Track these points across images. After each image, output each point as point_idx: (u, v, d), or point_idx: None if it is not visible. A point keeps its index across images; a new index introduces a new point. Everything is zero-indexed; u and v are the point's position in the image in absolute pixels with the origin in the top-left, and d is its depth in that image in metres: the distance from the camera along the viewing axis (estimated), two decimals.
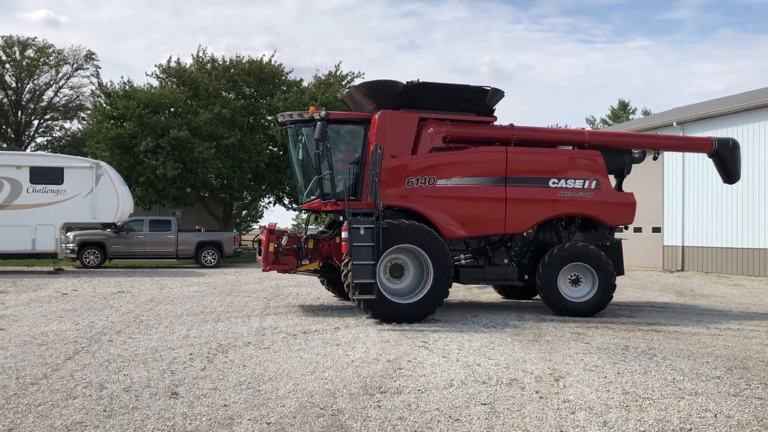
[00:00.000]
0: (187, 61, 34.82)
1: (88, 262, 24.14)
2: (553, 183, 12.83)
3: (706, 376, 7.48)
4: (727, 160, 14.66)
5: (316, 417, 5.88)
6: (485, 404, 6.31)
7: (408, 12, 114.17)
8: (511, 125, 13.04)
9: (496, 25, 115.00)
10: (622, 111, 65.00)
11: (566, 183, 12.88)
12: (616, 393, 6.74)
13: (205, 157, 29.93)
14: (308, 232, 14.34)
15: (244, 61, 34.42)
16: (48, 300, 14.05)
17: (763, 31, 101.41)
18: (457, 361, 8.19)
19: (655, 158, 14.82)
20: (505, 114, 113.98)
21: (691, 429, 5.66)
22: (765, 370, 7.82)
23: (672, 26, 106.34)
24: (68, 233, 23.91)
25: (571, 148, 13.60)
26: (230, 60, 34.55)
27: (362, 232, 11.13)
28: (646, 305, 14.44)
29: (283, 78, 35.16)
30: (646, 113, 61.57)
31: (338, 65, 38.04)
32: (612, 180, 13.67)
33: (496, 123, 13.08)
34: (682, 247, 25.36)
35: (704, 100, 32.16)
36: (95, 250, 24.33)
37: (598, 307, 12.53)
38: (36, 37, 48.57)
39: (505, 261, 13.03)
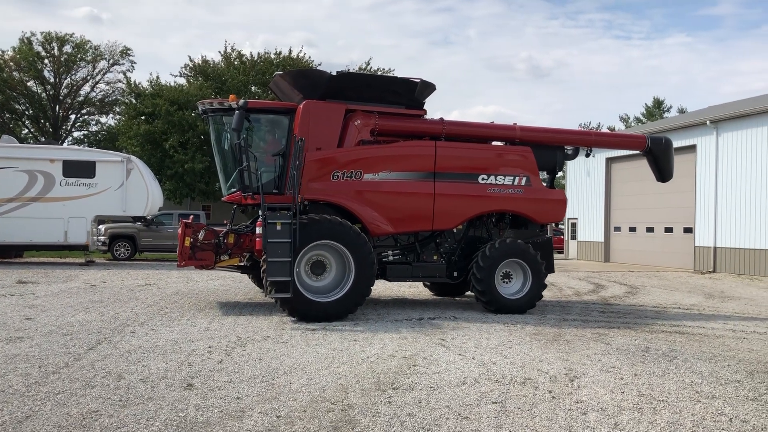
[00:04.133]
0: (216, 58, 35.33)
1: (119, 255, 24.60)
2: (483, 179, 12.65)
3: (725, 380, 7.35)
4: (660, 159, 14.54)
5: (326, 411, 5.92)
6: (496, 403, 6.29)
7: (442, 8, 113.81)
8: (441, 119, 12.87)
9: (532, 21, 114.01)
10: (656, 109, 64.01)
11: (496, 179, 12.71)
12: (630, 395, 6.67)
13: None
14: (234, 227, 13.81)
15: (272, 55, 34.72)
16: (77, 291, 14.36)
17: None
18: (473, 359, 8.17)
19: (587, 155, 14.54)
20: (541, 112, 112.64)
21: None
22: None
23: (712, 22, 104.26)
24: (100, 226, 24.39)
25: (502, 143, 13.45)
26: (258, 55, 34.88)
27: (278, 227, 10.69)
28: (672, 307, 14.22)
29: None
30: (681, 111, 60.54)
31: (368, 61, 37.99)
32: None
33: (426, 117, 12.84)
34: (714, 248, 24.89)
35: (741, 99, 31.56)
36: (126, 243, 24.80)
37: (530, 304, 12.48)
38: (74, 33, 49.62)
39: (434, 258, 12.80)
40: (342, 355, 8.21)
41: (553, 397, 6.52)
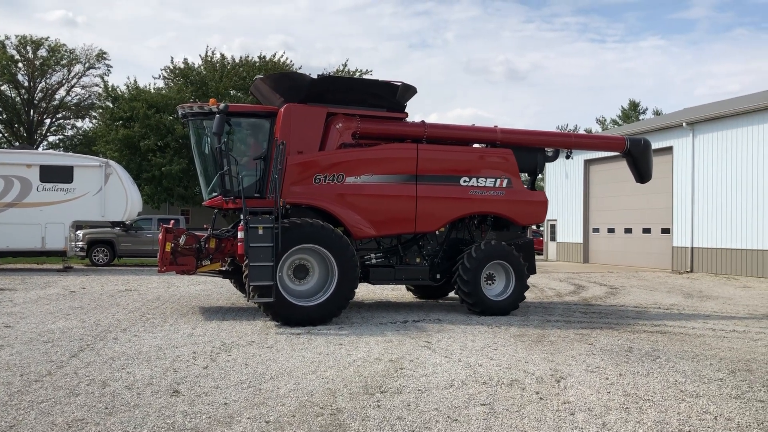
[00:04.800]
0: (196, 61, 35.12)
1: (97, 260, 24.32)
2: (465, 181, 12.74)
3: (708, 379, 7.45)
4: (639, 160, 14.75)
5: (315, 416, 5.90)
6: (484, 405, 6.31)
7: (420, 11, 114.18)
8: (423, 122, 12.94)
9: (508, 25, 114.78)
10: (632, 111, 64.72)
11: (477, 181, 12.81)
12: (616, 394, 6.73)
13: None
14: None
15: (253, 59, 34.61)
16: (56, 298, 14.16)
17: None
18: (459, 361, 8.19)
19: (567, 157, 14.65)
20: (519, 114, 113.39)
21: (689, 431, 5.64)
22: None
23: (685, 25, 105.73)
24: (78, 231, 24.09)
25: (483, 146, 13.56)
26: (240, 58, 34.76)
27: (260, 231, 10.60)
28: (652, 306, 14.38)
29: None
30: (657, 113, 61.29)
31: (345, 63, 37.94)
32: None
33: (408, 120, 12.91)
34: (692, 248, 25.23)
35: (716, 101, 32.02)
36: (104, 249, 24.51)
37: (514, 305, 12.58)
38: (48, 37, 48.99)
39: (417, 260, 12.85)
40: (328, 359, 8.19)
41: (541, 398, 6.56)
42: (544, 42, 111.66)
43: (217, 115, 11.10)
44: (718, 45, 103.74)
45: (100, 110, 41.01)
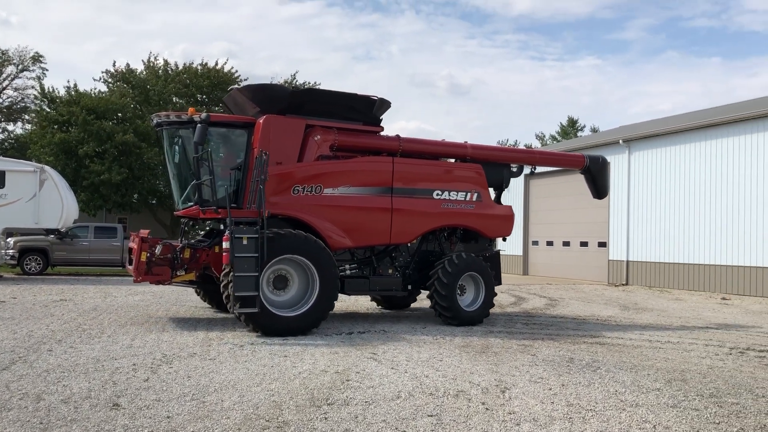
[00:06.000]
0: (138, 66, 34.35)
1: (30, 269, 23.38)
2: (437, 194, 13.10)
3: (646, 388, 7.66)
4: (597, 177, 15.51)
5: (261, 429, 5.80)
6: (432, 416, 6.33)
7: (365, 23, 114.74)
8: (398, 136, 13.17)
9: (451, 40, 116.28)
10: (570, 128, 66.42)
11: (449, 195, 13.19)
12: (560, 405, 6.85)
13: (154, 163, 29.46)
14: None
15: (197, 66, 34.10)
16: None
17: (706, 54, 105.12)
18: (406, 372, 8.21)
19: (531, 173, 15.49)
20: (461, 128, 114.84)
21: None
22: (702, 382, 8.06)
23: (620, 46, 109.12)
24: (8, 239, 23.17)
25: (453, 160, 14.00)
26: (183, 65, 34.20)
27: (245, 242, 10.60)
28: (590, 318, 14.73)
29: (238, 85, 34.93)
30: (594, 131, 63.08)
31: (294, 75, 37.80)
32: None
33: (382, 133, 13.11)
34: (627, 261, 25.98)
35: (651, 119, 33.15)
36: (37, 257, 23.59)
37: (485, 314, 13.01)
38: None
39: (390, 271, 13.08)
40: (273, 372, 8.08)
41: (487, 409, 6.62)
42: (486, 58, 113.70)
43: (199, 125, 11.05)
44: (651, 66, 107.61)
45: (33, 114, 39.71)
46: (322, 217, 11.92)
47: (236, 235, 10.58)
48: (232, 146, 12.04)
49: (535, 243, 31.83)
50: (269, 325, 10.77)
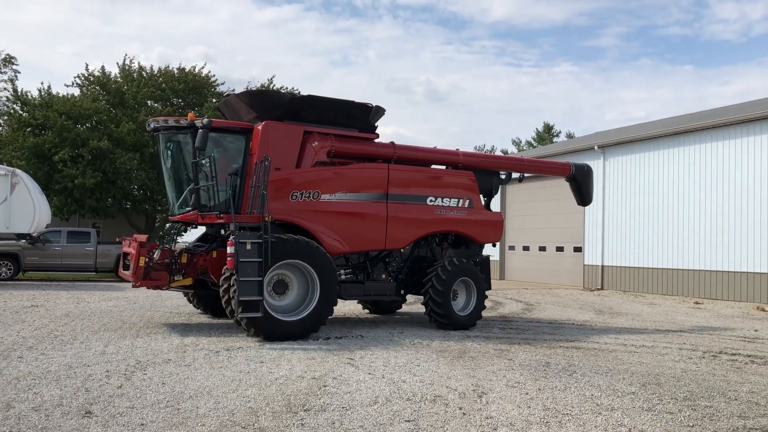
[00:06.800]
0: (113, 70, 33.92)
1: (0, 275, 22.98)
2: (431, 201, 13.31)
3: (622, 392, 7.72)
4: (582, 185, 15.98)
5: None
6: (409, 421, 6.32)
7: (342, 29, 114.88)
8: (392, 143, 13.31)
9: (429, 45, 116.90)
10: (546, 134, 66.97)
11: (443, 201, 13.42)
12: (537, 409, 6.87)
13: (127, 168, 29.11)
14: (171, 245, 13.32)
15: (173, 69, 33.78)
16: None
17: (679, 62, 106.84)
18: (383, 377, 8.19)
19: (519, 180, 15.99)
20: (438, 134, 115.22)
21: None
22: (676, 386, 8.14)
23: (596, 53, 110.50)
24: None
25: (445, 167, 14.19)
26: (159, 69, 33.85)
27: (249, 246, 10.64)
28: (566, 323, 14.83)
29: (214, 89, 34.66)
30: (569, 136, 63.67)
31: (271, 79, 37.62)
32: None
33: (377, 140, 13.26)
34: (602, 266, 26.23)
35: (625, 126, 33.51)
36: (8, 262, 23.16)
37: (476, 319, 13.23)
38: None
39: (383, 276, 13.19)
40: (249, 378, 8.01)
41: (464, 414, 6.62)
42: (463, 64, 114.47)
43: (201, 130, 11.08)
44: (626, 72, 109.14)
45: (6, 117, 39.02)
46: (319, 222, 12.02)
47: (241, 240, 10.61)
48: (229, 152, 12.06)
49: (512, 248, 32.01)
50: (270, 330, 10.82)
